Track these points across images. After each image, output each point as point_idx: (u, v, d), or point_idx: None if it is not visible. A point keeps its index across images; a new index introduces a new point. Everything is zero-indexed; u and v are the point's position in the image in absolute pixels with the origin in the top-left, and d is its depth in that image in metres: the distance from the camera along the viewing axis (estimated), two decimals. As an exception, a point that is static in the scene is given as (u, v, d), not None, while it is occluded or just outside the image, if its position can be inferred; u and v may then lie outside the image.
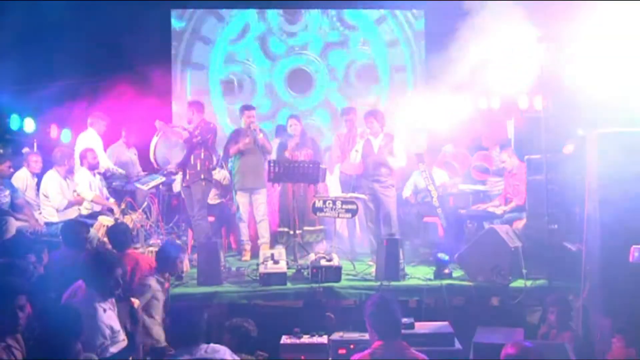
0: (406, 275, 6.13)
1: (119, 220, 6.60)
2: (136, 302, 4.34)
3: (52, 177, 6.67)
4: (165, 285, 5.08)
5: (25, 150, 7.78)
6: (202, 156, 6.99)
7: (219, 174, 7.99)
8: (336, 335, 5.12)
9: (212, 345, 3.63)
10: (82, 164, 7.08)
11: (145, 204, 7.46)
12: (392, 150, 6.87)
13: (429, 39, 10.27)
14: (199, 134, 6.94)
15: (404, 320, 4.45)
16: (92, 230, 6.13)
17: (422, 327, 5.05)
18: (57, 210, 6.58)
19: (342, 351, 4.94)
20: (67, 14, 8.17)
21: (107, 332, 3.75)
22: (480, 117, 7.86)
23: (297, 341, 5.09)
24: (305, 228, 7.41)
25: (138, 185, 7.61)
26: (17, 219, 6.38)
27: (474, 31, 6.67)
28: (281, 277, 5.87)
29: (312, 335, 5.16)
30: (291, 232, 6.90)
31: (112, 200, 7.41)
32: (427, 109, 7.71)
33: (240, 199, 7.33)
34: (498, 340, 4.51)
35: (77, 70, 8.34)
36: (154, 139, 7.05)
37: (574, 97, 6.19)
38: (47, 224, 6.58)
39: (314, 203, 6.66)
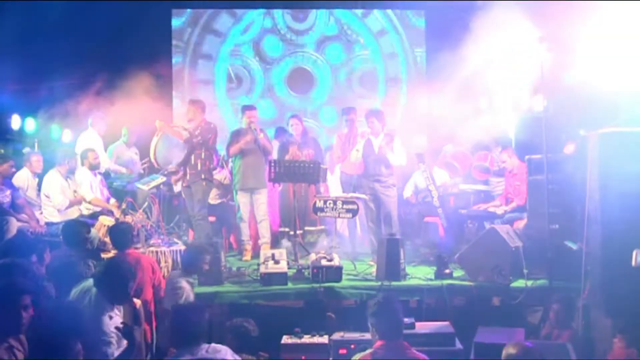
0: (407, 275, 6.14)
1: (119, 220, 6.62)
2: (138, 302, 4.34)
3: (53, 177, 6.68)
4: (192, 285, 5.12)
5: (26, 150, 7.78)
6: (203, 156, 6.99)
7: (220, 174, 7.99)
8: (337, 335, 5.12)
9: (213, 345, 3.63)
10: (82, 164, 7.08)
11: (146, 204, 7.46)
12: (393, 150, 6.87)
13: (429, 39, 10.27)
14: (200, 134, 6.94)
15: (405, 320, 4.45)
16: (93, 230, 6.13)
17: (423, 327, 5.06)
18: (59, 211, 6.58)
19: (342, 351, 4.94)
20: (67, 14, 8.18)
21: (114, 338, 3.79)
22: (481, 117, 7.85)
23: (298, 341, 5.10)
24: (307, 228, 7.42)
25: (139, 185, 7.62)
26: (18, 219, 6.39)
27: (475, 31, 6.68)
28: (282, 277, 5.88)
29: (313, 335, 5.16)
30: (292, 232, 6.90)
31: (112, 201, 7.42)
32: (427, 109, 7.71)
33: (241, 199, 7.33)
34: (499, 340, 4.50)
35: (78, 70, 8.35)
36: (154, 139, 7.05)
37: (575, 97, 6.20)
38: (47, 223, 6.59)
39: (315, 203, 6.66)
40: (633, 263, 4.38)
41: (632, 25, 5.34)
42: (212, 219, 7.42)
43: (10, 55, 7.38)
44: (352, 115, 7.42)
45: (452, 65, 7.22)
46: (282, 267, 5.98)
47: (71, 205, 6.64)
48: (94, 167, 7.24)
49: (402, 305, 3.74)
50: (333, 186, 7.93)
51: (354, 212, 6.61)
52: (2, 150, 7.32)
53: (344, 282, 5.96)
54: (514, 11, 6.09)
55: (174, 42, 10.21)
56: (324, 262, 5.97)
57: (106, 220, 6.52)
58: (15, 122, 8.01)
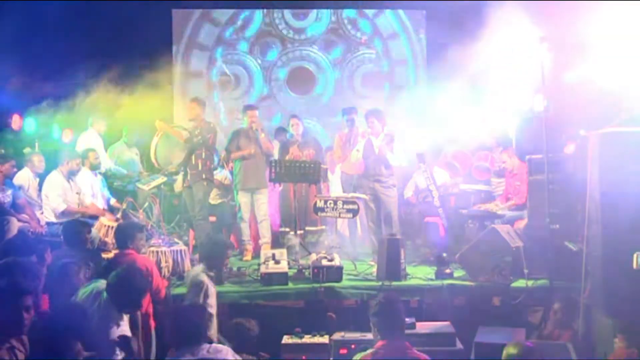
0: (407, 275, 6.14)
1: (119, 220, 6.62)
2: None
3: (54, 178, 6.65)
4: (213, 280, 5.11)
5: (27, 150, 7.78)
6: (203, 156, 6.99)
7: (220, 174, 7.99)
8: (337, 335, 5.13)
9: (214, 345, 3.64)
10: (83, 164, 7.08)
11: (147, 204, 7.47)
12: (393, 150, 6.87)
13: (430, 39, 10.27)
14: (200, 134, 6.94)
15: (406, 320, 4.45)
16: (93, 230, 6.13)
17: (424, 327, 5.06)
18: (55, 213, 6.57)
19: (343, 351, 4.95)
20: (67, 14, 8.18)
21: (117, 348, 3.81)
22: (481, 117, 7.85)
23: (299, 341, 5.10)
24: (307, 228, 7.42)
25: (139, 185, 7.62)
26: (18, 219, 6.38)
27: (476, 31, 6.68)
28: (282, 277, 5.88)
29: (314, 335, 5.16)
30: (292, 232, 6.90)
31: (113, 201, 7.42)
32: (428, 109, 7.71)
33: (242, 199, 7.34)
34: (499, 340, 4.51)
35: (78, 70, 8.34)
36: (155, 139, 7.06)
37: (575, 97, 6.20)
38: (48, 223, 6.58)
39: (316, 203, 6.67)
40: (635, 265, 4.38)
41: (633, 25, 5.35)
42: (212, 219, 7.42)
43: (10, 55, 7.37)
44: (352, 115, 7.43)
45: (452, 66, 7.22)
46: (283, 267, 5.98)
47: (68, 212, 6.58)
48: (94, 167, 7.25)
49: (404, 306, 3.74)
50: (334, 186, 7.93)
51: (355, 212, 6.62)
52: (2, 151, 7.32)
53: (345, 282, 5.96)
54: (515, 11, 6.09)
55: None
56: (324, 262, 5.97)
57: (107, 221, 6.52)
58: (15, 122, 8.00)
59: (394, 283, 5.87)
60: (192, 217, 7.13)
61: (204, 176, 6.96)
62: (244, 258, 7.26)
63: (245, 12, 10.34)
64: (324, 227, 7.55)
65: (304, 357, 5.02)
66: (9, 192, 6.50)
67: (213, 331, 4.84)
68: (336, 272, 5.93)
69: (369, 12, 10.42)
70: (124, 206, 7.02)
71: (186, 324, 3.62)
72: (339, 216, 6.68)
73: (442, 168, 8.06)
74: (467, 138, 8.15)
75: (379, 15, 10.45)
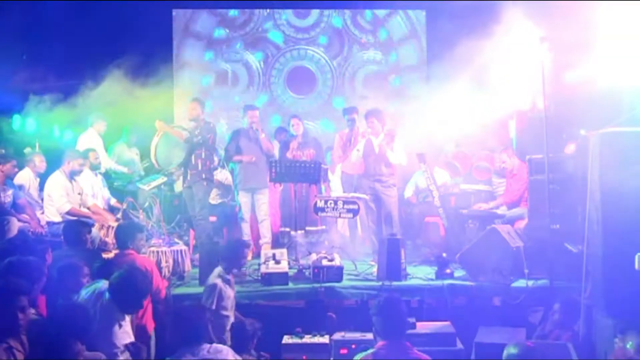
0: (408, 275, 6.14)
1: (120, 220, 6.62)
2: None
3: (57, 178, 6.63)
4: (231, 281, 5.14)
5: (28, 150, 7.78)
6: (203, 156, 6.99)
7: (221, 174, 7.99)
8: (338, 335, 5.13)
9: (214, 345, 3.63)
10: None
11: (147, 204, 7.46)
12: (393, 150, 6.87)
13: (430, 39, 10.26)
14: (199, 134, 6.94)
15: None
16: (94, 230, 6.13)
17: (424, 327, 5.06)
18: (59, 213, 6.56)
19: (343, 351, 4.95)
20: (68, 14, 8.19)
21: (122, 345, 3.83)
22: (482, 117, 7.85)
23: (299, 341, 5.10)
24: (307, 228, 7.41)
25: (139, 185, 7.62)
26: (19, 219, 6.38)
27: (476, 31, 6.68)
28: (283, 277, 5.88)
29: (314, 335, 5.16)
30: (293, 232, 6.90)
31: (113, 201, 7.42)
32: (429, 109, 7.70)
33: (242, 199, 7.34)
34: (500, 340, 4.51)
35: (78, 70, 8.35)
36: (155, 139, 7.06)
37: (576, 96, 6.20)
38: (49, 223, 6.57)
39: (316, 203, 6.67)
40: (637, 267, 4.38)
41: (633, 25, 5.34)
42: (212, 219, 7.42)
43: (11, 55, 7.38)
44: (353, 114, 7.43)
45: (453, 66, 7.22)
46: (283, 267, 5.98)
47: (72, 213, 6.56)
48: (94, 167, 7.25)
49: (406, 306, 3.74)
50: (334, 186, 7.93)
51: (355, 212, 6.62)
52: (3, 151, 7.32)
53: (345, 282, 5.96)
54: (515, 11, 6.09)
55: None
56: (324, 262, 5.97)
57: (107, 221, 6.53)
58: (16, 122, 8.01)
59: (395, 283, 5.87)
60: (192, 217, 7.13)
61: (203, 176, 6.96)
62: (244, 258, 7.26)
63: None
64: (324, 227, 7.54)
65: (304, 357, 5.02)
66: (10, 192, 6.50)
67: (227, 335, 4.88)
68: (336, 272, 5.93)
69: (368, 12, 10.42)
70: (124, 206, 7.02)
71: (186, 324, 3.62)
72: (340, 216, 6.68)
73: (443, 168, 8.06)
74: (468, 138, 8.15)
75: (382, 16, 10.45)
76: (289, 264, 6.25)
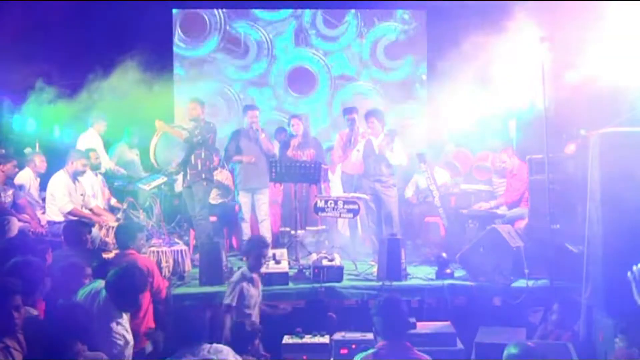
0: (408, 275, 6.14)
1: (120, 220, 6.62)
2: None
3: (60, 178, 6.63)
4: (255, 279, 5.19)
5: (28, 150, 7.78)
6: (203, 156, 6.99)
7: (221, 174, 7.99)
8: (338, 335, 5.12)
9: (214, 345, 3.63)
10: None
11: (147, 203, 7.46)
12: (393, 150, 6.87)
13: (431, 40, 10.25)
14: (199, 134, 6.94)
15: (406, 320, 4.45)
16: (94, 230, 6.14)
17: (424, 327, 5.06)
18: (61, 213, 6.55)
19: (344, 351, 4.95)
20: (68, 14, 8.18)
21: (121, 341, 3.84)
22: (482, 117, 7.86)
23: (299, 341, 5.10)
24: (308, 228, 7.42)
25: (140, 185, 7.62)
26: (19, 219, 6.38)
27: (476, 31, 6.68)
28: (283, 277, 5.88)
29: (314, 335, 5.16)
30: (293, 232, 6.90)
31: (113, 201, 7.42)
32: (429, 109, 7.71)
33: (242, 199, 7.35)
34: (500, 340, 4.51)
35: (79, 70, 8.34)
36: (154, 139, 7.06)
37: (576, 96, 6.20)
38: (50, 222, 6.56)
39: (316, 203, 6.67)
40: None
41: (634, 24, 5.35)
42: (213, 219, 7.42)
43: (11, 55, 7.37)
44: (353, 114, 7.43)
45: (453, 66, 7.22)
46: (283, 267, 5.98)
47: (73, 213, 6.55)
48: (94, 168, 7.24)
49: (407, 307, 3.74)
50: (334, 186, 7.93)
51: (355, 212, 6.62)
52: (3, 151, 7.32)
53: (345, 282, 5.96)
54: (516, 11, 6.09)
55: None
56: (325, 262, 5.97)
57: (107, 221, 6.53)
58: (16, 122, 8.01)
59: (395, 283, 5.87)
60: (192, 217, 7.13)
61: (203, 176, 6.96)
62: (245, 258, 7.25)
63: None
64: (324, 227, 7.55)
65: (304, 357, 5.02)
66: (10, 192, 6.50)
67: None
68: (337, 272, 5.93)
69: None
70: (125, 206, 7.02)
71: (186, 325, 3.62)
72: (340, 216, 6.69)
73: (443, 168, 8.06)
74: (468, 138, 8.16)
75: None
76: (289, 264, 6.26)
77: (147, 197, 7.54)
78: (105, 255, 5.84)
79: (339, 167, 8.06)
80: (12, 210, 6.45)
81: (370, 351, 3.54)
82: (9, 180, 6.61)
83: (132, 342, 4.02)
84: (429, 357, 3.55)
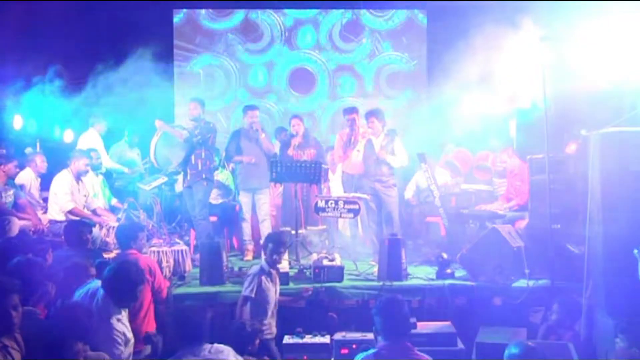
0: (408, 275, 6.14)
1: (121, 220, 6.62)
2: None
3: (64, 177, 6.62)
4: (272, 274, 5.25)
5: (28, 150, 7.79)
6: (203, 156, 7.00)
7: (222, 175, 7.99)
8: (339, 335, 5.12)
9: (215, 345, 3.63)
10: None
11: (148, 203, 7.47)
12: (394, 150, 6.87)
13: (431, 40, 10.25)
14: (199, 134, 6.95)
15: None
16: (95, 231, 6.14)
17: (425, 327, 5.06)
18: (62, 211, 6.55)
19: (344, 351, 4.94)
20: (69, 14, 8.18)
21: (122, 339, 3.83)
22: (484, 117, 7.85)
23: (300, 341, 5.10)
24: (308, 228, 7.42)
25: (140, 185, 7.62)
26: (19, 219, 6.38)
27: (476, 31, 6.67)
28: (283, 277, 5.87)
29: (315, 335, 5.16)
30: (293, 232, 6.91)
31: (114, 201, 7.42)
32: (430, 109, 7.71)
33: (243, 199, 7.35)
34: (501, 340, 4.51)
35: (79, 70, 8.35)
36: (154, 139, 7.07)
37: (577, 96, 6.19)
38: (51, 221, 6.56)
39: (317, 203, 6.67)
40: None
41: (634, 24, 5.34)
42: (213, 219, 7.43)
43: (11, 55, 7.38)
44: (353, 114, 7.43)
45: (453, 66, 7.21)
46: (284, 267, 5.98)
47: (75, 213, 6.54)
48: (95, 168, 7.25)
49: (409, 307, 3.73)
50: (335, 186, 7.93)
51: (356, 212, 6.62)
52: (4, 151, 7.32)
53: (346, 282, 5.96)
54: (516, 11, 6.09)
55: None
56: (325, 262, 5.98)
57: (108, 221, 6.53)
58: (17, 122, 8.01)
59: (395, 283, 5.87)
60: (193, 217, 7.14)
61: (203, 176, 6.97)
62: (245, 258, 7.27)
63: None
64: (325, 226, 7.55)
65: (305, 357, 5.02)
66: (11, 191, 6.50)
67: (271, 328, 5.06)
68: (337, 272, 5.93)
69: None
70: (125, 206, 7.02)
71: (187, 325, 3.62)
72: (340, 216, 6.69)
73: (443, 168, 8.05)
74: (468, 138, 8.15)
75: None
76: (289, 263, 6.25)
77: (147, 197, 7.55)
78: (106, 256, 5.85)
79: (339, 167, 8.06)
80: (13, 210, 6.45)
81: (371, 351, 3.54)
82: (10, 180, 6.61)
83: (132, 340, 4.01)
84: (429, 357, 3.54)
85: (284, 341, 5.14)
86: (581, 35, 5.60)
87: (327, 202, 6.59)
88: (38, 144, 8.20)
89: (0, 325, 3.25)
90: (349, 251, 6.92)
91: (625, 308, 4.57)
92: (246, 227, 7.38)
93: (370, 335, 4.76)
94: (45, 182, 7.02)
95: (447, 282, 5.93)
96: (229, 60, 10.27)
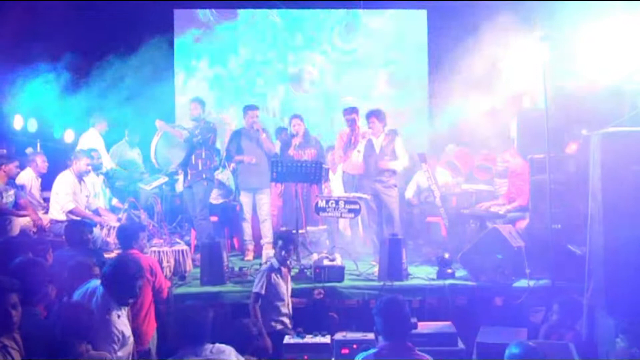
0: (409, 275, 6.14)
1: (122, 220, 6.62)
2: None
3: (66, 177, 6.62)
4: (283, 272, 5.38)
5: (29, 150, 7.79)
6: (204, 156, 7.01)
7: (223, 174, 7.99)
8: (339, 335, 5.11)
9: (217, 345, 3.63)
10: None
11: (149, 203, 7.47)
12: (394, 150, 6.86)
13: (431, 40, 10.24)
14: (200, 134, 6.95)
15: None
16: (96, 230, 6.14)
17: (425, 327, 5.05)
18: (62, 211, 6.54)
19: (345, 351, 4.93)
20: (69, 14, 8.18)
21: (119, 337, 3.81)
22: (483, 117, 7.85)
23: (300, 341, 5.09)
24: (309, 228, 7.42)
25: (141, 185, 7.63)
26: (20, 216, 6.38)
27: (477, 30, 6.68)
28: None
29: (315, 335, 5.16)
30: (294, 232, 6.90)
31: (115, 201, 7.42)
32: (430, 108, 7.71)
33: (244, 198, 7.35)
34: (501, 340, 4.50)
35: (80, 70, 8.35)
36: (155, 139, 7.07)
37: (577, 96, 6.20)
38: (53, 221, 6.55)
39: (317, 203, 6.67)
40: None
41: (635, 24, 5.34)
42: (214, 219, 7.43)
43: (11, 54, 7.38)
44: (353, 115, 7.43)
45: (454, 65, 7.22)
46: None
47: (76, 213, 6.54)
48: (95, 167, 7.25)
49: (410, 308, 3.73)
50: (335, 186, 7.94)
51: (356, 212, 6.62)
52: (5, 151, 7.33)
53: (346, 282, 5.96)
54: (517, 10, 6.09)
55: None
56: (326, 262, 5.98)
57: (109, 221, 6.53)
58: (17, 122, 8.01)
59: (396, 283, 5.87)
60: (193, 217, 7.14)
61: (204, 176, 6.98)
62: (246, 258, 7.27)
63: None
64: (325, 226, 7.55)
65: (305, 357, 5.01)
66: (12, 192, 6.50)
67: (285, 323, 5.23)
68: (338, 272, 5.94)
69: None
70: (126, 206, 7.03)
71: (189, 324, 3.62)
72: (341, 216, 6.69)
73: (444, 168, 8.05)
74: (469, 138, 8.15)
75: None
76: (290, 263, 6.24)
77: (148, 197, 7.56)
78: (107, 255, 5.85)
79: (340, 167, 8.06)
80: (14, 210, 6.45)
81: (372, 351, 3.54)
82: (10, 181, 6.61)
83: (132, 339, 4.01)
84: (430, 357, 3.54)
85: (285, 341, 5.14)
86: (582, 35, 5.60)
87: (327, 202, 6.60)
88: (39, 144, 8.20)
89: (0, 325, 3.24)
90: (350, 251, 6.92)
91: (626, 308, 4.57)
92: (247, 227, 7.38)
93: (370, 335, 4.76)
94: (46, 182, 7.02)
95: (448, 282, 5.92)
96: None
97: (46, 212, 6.76)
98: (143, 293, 4.95)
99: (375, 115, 6.97)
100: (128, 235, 5.13)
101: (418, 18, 10.35)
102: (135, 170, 8.23)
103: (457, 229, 7.17)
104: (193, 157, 7.01)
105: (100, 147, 7.80)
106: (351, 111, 7.49)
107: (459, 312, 5.70)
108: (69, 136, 8.66)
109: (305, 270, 6.19)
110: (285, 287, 5.37)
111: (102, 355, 3.45)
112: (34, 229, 6.40)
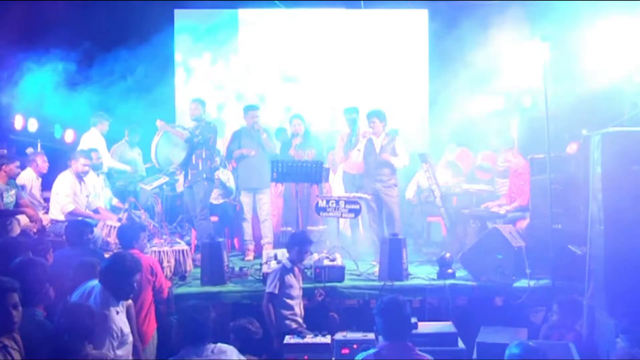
0: (409, 275, 6.14)
1: (122, 220, 6.62)
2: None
3: (66, 177, 6.62)
4: (295, 271, 5.42)
5: (29, 150, 7.79)
6: (204, 156, 7.01)
7: (223, 175, 7.99)
8: (339, 335, 5.11)
9: (218, 345, 3.62)
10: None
11: (149, 203, 7.48)
12: (394, 150, 6.87)
13: (432, 40, 10.24)
14: (200, 134, 6.96)
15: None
16: (96, 230, 6.14)
17: (426, 327, 5.05)
18: (62, 212, 6.54)
19: (345, 351, 4.93)
20: (70, 14, 8.19)
21: (117, 334, 3.80)
22: (484, 117, 7.85)
23: (301, 341, 5.09)
24: (309, 228, 7.42)
25: (142, 185, 7.63)
26: (20, 214, 6.37)
27: (477, 30, 6.68)
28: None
29: (316, 335, 5.16)
30: (325, 226, 6.92)
31: (115, 201, 7.42)
32: (431, 108, 7.71)
33: (244, 198, 7.35)
34: (502, 340, 4.51)
35: (80, 70, 8.36)
36: (155, 139, 7.07)
37: (578, 96, 6.20)
38: (53, 221, 6.56)
39: (318, 203, 6.67)
40: None
41: (635, 24, 5.34)
42: (214, 218, 7.43)
43: (11, 54, 7.39)
44: (353, 114, 7.43)
45: (455, 65, 7.22)
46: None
47: (76, 213, 6.53)
48: (96, 167, 7.25)
49: (410, 308, 3.73)
50: (336, 186, 7.94)
51: (357, 212, 6.62)
52: (5, 151, 7.33)
53: (347, 282, 5.96)
54: (517, 10, 6.09)
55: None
56: (326, 262, 5.98)
57: (109, 221, 6.53)
58: (18, 122, 8.02)
59: (396, 283, 5.87)
60: (194, 217, 7.14)
61: (204, 176, 6.98)
62: (246, 258, 7.27)
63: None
64: (325, 226, 7.55)
65: (306, 357, 5.01)
66: (13, 192, 6.50)
67: (299, 322, 5.27)
68: (338, 272, 5.94)
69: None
70: (127, 206, 7.03)
71: (190, 324, 3.62)
72: (341, 216, 6.69)
73: (445, 168, 8.05)
74: (470, 138, 8.15)
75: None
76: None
77: (148, 197, 7.56)
78: (107, 255, 5.85)
79: (340, 167, 8.06)
80: (14, 210, 6.44)
81: (372, 351, 3.54)
82: (11, 181, 6.61)
83: (131, 338, 4.00)
84: (430, 357, 3.54)
85: (285, 341, 5.14)
86: (582, 35, 5.61)
87: (328, 202, 6.60)
88: (39, 144, 8.21)
89: (0, 325, 3.24)
90: (350, 251, 6.92)
91: (627, 308, 4.57)
92: (247, 227, 7.38)
93: (371, 335, 4.76)
94: (46, 182, 7.02)
95: (448, 282, 5.92)
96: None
97: (46, 212, 6.76)
98: (143, 293, 4.96)
99: (376, 115, 6.97)
100: (129, 235, 5.14)
101: (418, 18, 10.37)
102: (135, 170, 8.23)
103: (457, 229, 7.17)
104: (193, 157, 7.00)
105: (101, 147, 7.79)
106: (351, 111, 7.49)
107: (459, 312, 5.70)
108: (69, 136, 8.66)
109: (306, 270, 6.19)
110: (299, 287, 5.43)
111: (103, 355, 3.44)
112: (35, 229, 6.40)
